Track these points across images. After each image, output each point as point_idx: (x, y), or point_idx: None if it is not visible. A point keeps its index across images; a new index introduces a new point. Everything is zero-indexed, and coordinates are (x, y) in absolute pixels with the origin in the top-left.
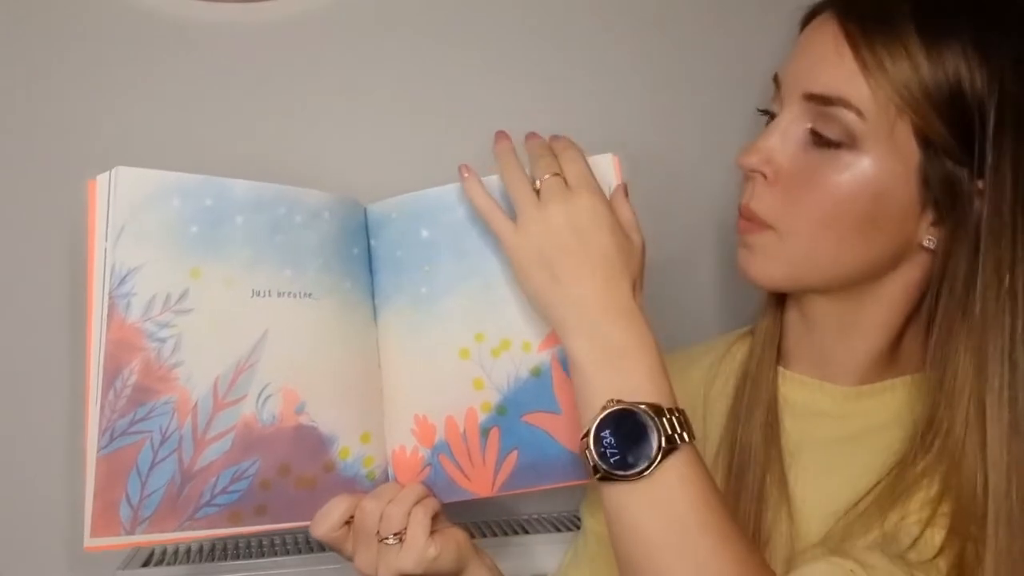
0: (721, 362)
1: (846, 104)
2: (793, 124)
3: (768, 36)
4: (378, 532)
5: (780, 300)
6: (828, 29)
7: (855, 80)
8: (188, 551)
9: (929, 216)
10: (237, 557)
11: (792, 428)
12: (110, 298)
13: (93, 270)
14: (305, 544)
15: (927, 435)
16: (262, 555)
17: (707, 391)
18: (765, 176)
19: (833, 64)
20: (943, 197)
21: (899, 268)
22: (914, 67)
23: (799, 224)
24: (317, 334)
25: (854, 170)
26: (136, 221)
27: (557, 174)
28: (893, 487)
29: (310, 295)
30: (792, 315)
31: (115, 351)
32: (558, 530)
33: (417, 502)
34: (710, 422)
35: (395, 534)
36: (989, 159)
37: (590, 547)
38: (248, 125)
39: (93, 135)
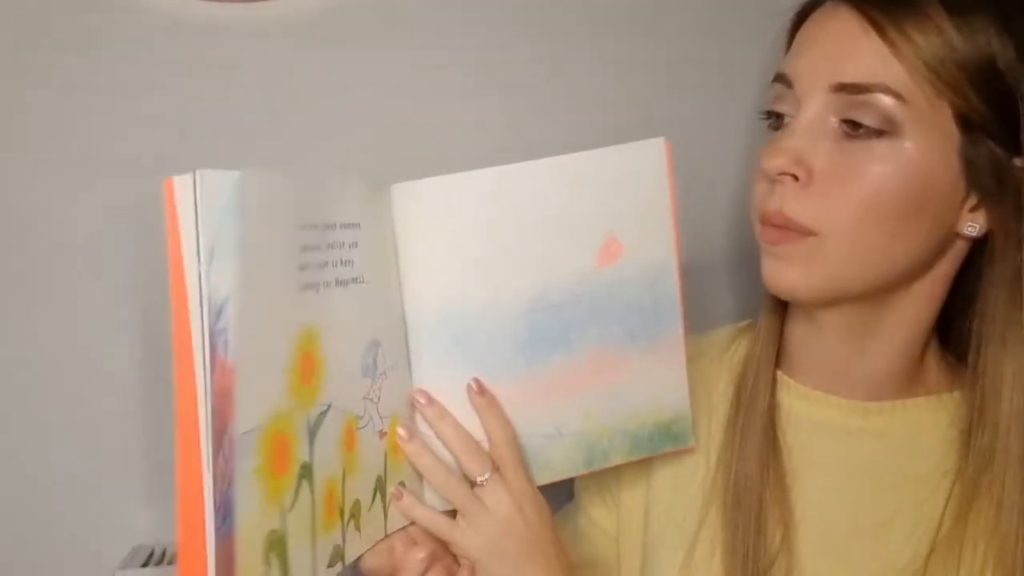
0: (722, 360)
1: (884, 89)
2: (817, 119)
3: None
4: None
5: (781, 306)
6: (843, 17)
7: (888, 63)
8: None
9: (971, 201)
10: None
11: (794, 446)
12: (211, 336)
13: (186, 301)
14: None
15: (976, 437)
16: None
17: (711, 390)
18: (796, 178)
19: (861, 51)
20: (987, 179)
21: (936, 262)
22: (946, 42)
23: (844, 224)
24: None
25: (898, 157)
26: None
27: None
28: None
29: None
30: (798, 320)
31: (222, 404)
32: None
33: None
34: (714, 423)
35: None
36: None
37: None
38: (248, 123)
39: (89, 135)
